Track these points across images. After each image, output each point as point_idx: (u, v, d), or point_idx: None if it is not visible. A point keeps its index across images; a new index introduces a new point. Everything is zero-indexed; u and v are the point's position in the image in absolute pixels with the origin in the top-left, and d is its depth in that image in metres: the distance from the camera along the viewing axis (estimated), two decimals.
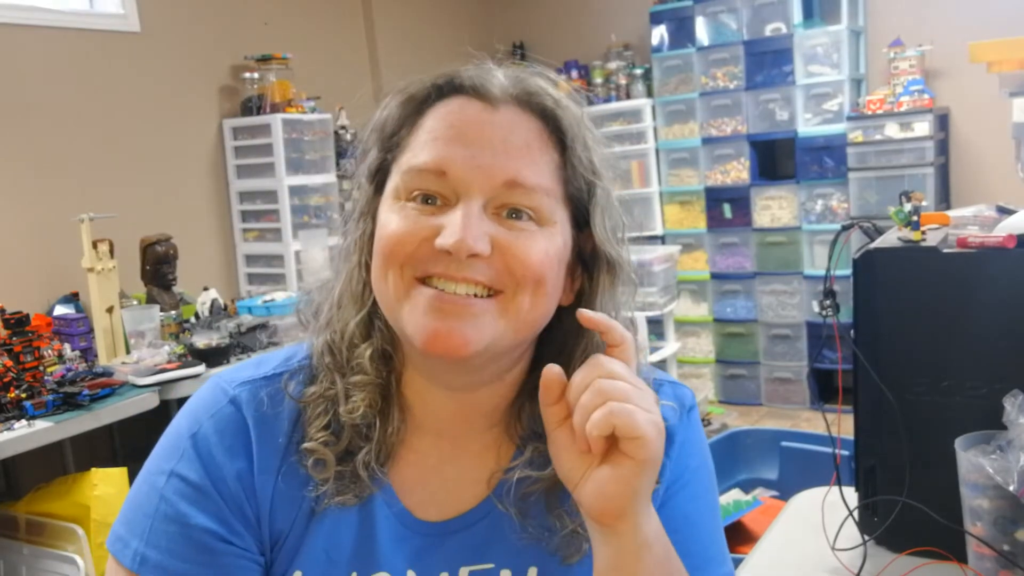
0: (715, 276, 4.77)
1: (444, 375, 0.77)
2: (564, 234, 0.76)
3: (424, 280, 0.72)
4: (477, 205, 0.71)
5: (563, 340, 0.79)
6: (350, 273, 0.80)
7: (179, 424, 0.79)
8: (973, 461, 1.01)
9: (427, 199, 0.73)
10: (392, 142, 0.77)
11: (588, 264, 0.79)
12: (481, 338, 0.71)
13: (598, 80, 5.07)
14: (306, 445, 0.76)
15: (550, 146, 0.75)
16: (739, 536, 2.57)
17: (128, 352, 2.89)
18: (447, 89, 0.76)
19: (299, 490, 0.77)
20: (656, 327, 4.44)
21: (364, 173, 0.80)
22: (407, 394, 0.80)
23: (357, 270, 0.79)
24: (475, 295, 0.72)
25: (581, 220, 0.78)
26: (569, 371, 0.73)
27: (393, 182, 0.76)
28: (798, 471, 2.77)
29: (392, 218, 0.73)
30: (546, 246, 0.73)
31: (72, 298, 3.10)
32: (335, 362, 0.79)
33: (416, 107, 0.77)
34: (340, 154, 4.08)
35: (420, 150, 0.74)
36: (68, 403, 2.41)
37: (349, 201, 0.83)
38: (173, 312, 3.16)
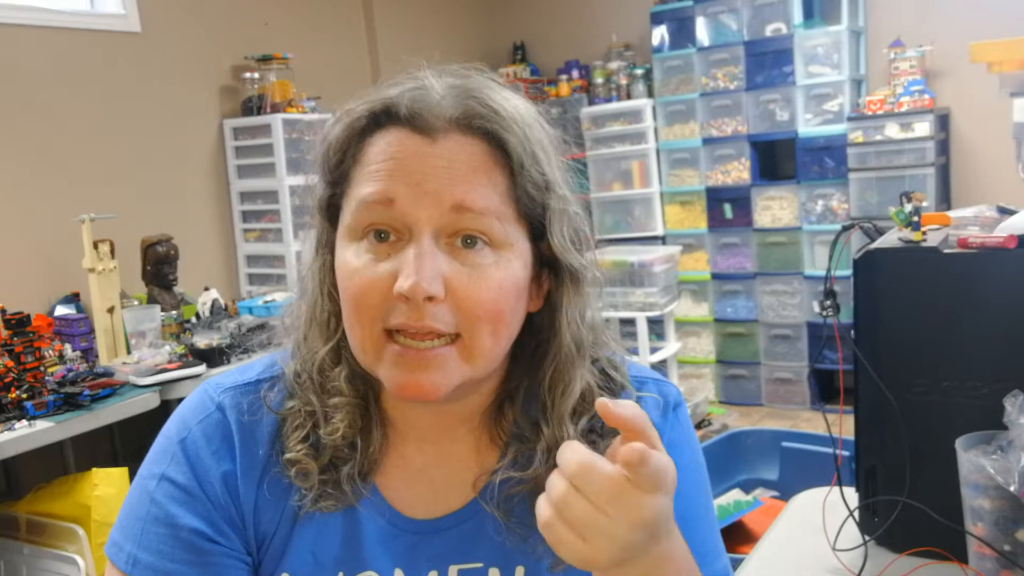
0: (716, 276, 4.77)
1: None
2: (523, 254, 0.75)
3: (391, 333, 0.72)
4: (428, 239, 0.71)
5: (535, 345, 0.80)
6: (314, 303, 0.80)
7: (169, 430, 0.81)
8: (974, 461, 1.01)
9: (380, 234, 0.72)
10: (337, 174, 0.77)
11: (553, 268, 0.79)
12: (449, 383, 0.72)
13: (599, 80, 5.08)
14: (288, 456, 0.77)
15: (497, 167, 0.73)
16: (739, 536, 2.57)
17: (129, 352, 2.89)
18: (384, 119, 0.74)
19: (282, 498, 0.78)
20: (657, 327, 4.44)
21: (315, 204, 0.79)
22: (387, 408, 0.81)
23: (321, 300, 0.79)
24: (437, 345, 0.72)
25: (539, 232, 0.76)
26: (538, 374, 0.78)
27: (345, 220, 0.75)
28: (798, 471, 2.78)
29: (350, 263, 0.73)
30: (501, 278, 0.72)
31: (73, 298, 3.10)
32: (310, 384, 0.80)
33: (357, 138, 0.75)
34: None
35: (366, 183, 0.73)
36: (69, 403, 2.41)
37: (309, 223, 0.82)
38: (174, 312, 3.16)
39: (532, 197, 0.74)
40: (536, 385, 0.79)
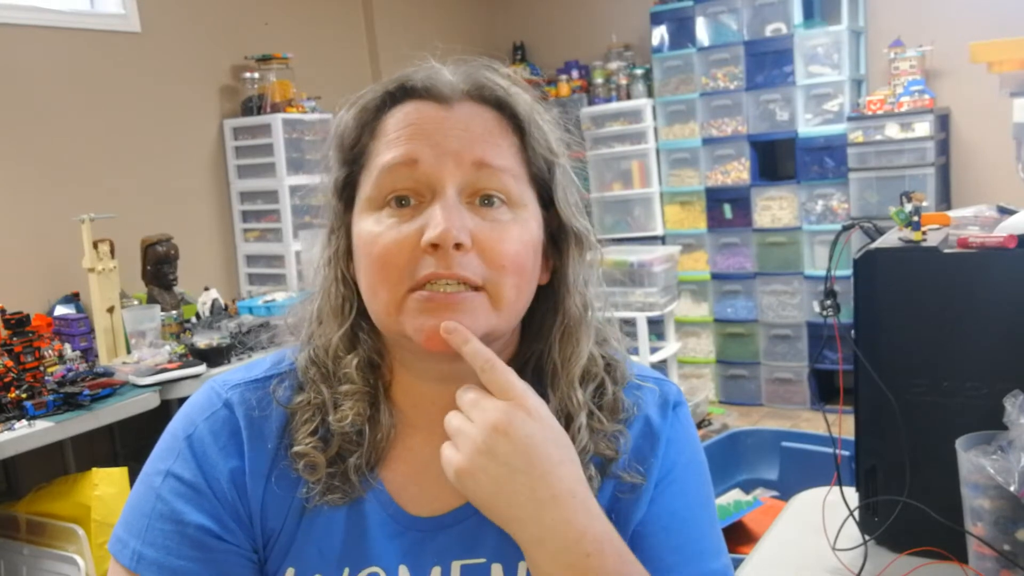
0: (716, 276, 4.77)
1: (439, 368, 0.79)
2: (536, 216, 0.79)
3: (415, 289, 0.74)
4: (453, 195, 0.74)
5: (541, 320, 0.83)
6: (327, 289, 0.82)
7: (175, 426, 0.81)
8: (974, 461, 1.01)
9: (401, 201, 0.75)
10: (354, 153, 0.79)
11: (557, 241, 0.82)
12: (476, 329, 0.73)
13: (599, 80, 5.08)
14: (296, 449, 0.78)
15: (508, 131, 0.78)
16: (739, 536, 2.57)
17: (129, 352, 2.89)
18: (400, 95, 0.78)
19: (289, 492, 0.78)
20: (657, 327, 4.44)
21: (331, 190, 0.81)
22: (396, 398, 0.82)
23: (335, 285, 0.81)
24: (463, 289, 0.73)
25: (546, 199, 0.81)
26: (544, 348, 0.81)
27: (364, 192, 0.77)
28: (799, 471, 2.78)
29: (372, 230, 0.75)
30: (520, 233, 0.76)
31: (73, 298, 3.10)
32: (320, 374, 0.81)
33: (372, 115, 0.79)
34: None
35: (387, 150, 0.76)
36: (69, 403, 2.41)
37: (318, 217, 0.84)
38: (174, 312, 3.16)
39: (541, 158, 0.79)
40: (544, 359, 0.82)
